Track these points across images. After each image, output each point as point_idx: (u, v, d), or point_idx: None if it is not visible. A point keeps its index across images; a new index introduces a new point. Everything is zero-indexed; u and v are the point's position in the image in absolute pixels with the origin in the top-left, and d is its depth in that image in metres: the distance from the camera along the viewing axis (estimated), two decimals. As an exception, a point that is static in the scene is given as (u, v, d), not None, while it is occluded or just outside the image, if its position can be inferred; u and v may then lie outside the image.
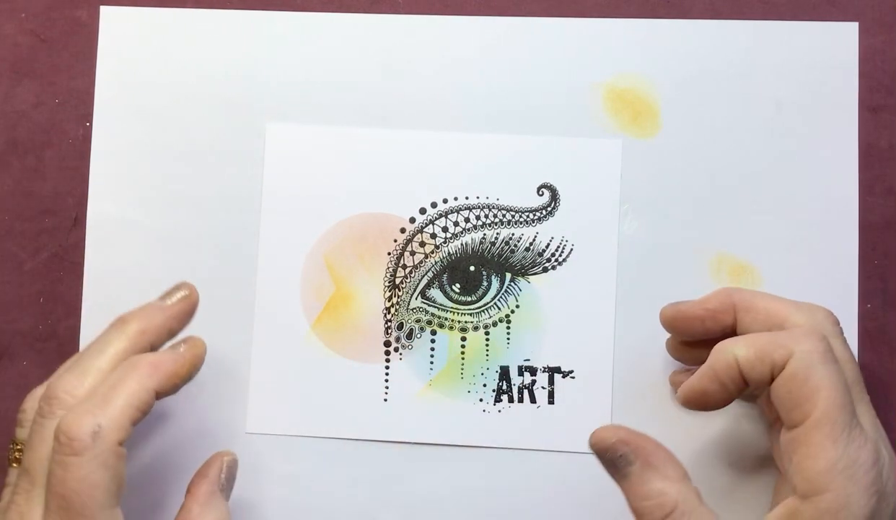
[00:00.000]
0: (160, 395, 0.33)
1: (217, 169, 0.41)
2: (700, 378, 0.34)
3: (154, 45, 0.42)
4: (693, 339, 0.37)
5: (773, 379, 0.32)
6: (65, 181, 0.41)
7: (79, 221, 0.41)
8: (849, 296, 0.39)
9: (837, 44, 0.40)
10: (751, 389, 0.33)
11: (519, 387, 0.40)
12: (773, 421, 0.36)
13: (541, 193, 0.40)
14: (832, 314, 0.35)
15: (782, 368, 0.32)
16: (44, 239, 0.41)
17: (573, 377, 0.40)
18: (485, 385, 0.40)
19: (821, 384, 0.31)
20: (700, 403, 0.34)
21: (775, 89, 0.40)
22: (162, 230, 0.41)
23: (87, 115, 0.41)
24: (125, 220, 0.41)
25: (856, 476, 0.30)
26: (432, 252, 0.40)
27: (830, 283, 0.39)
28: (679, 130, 0.40)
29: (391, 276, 0.40)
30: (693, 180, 0.40)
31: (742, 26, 0.40)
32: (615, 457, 0.32)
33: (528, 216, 0.40)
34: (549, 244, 0.40)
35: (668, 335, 0.38)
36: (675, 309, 0.37)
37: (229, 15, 0.41)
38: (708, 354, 0.34)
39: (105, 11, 0.42)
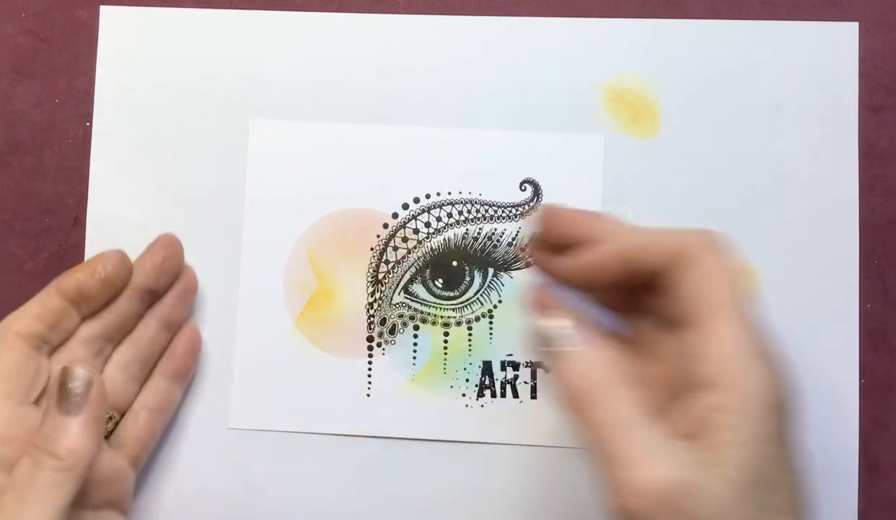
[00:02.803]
0: (74, 302, 0.36)
1: (219, 169, 0.41)
2: (589, 252, 0.31)
3: (154, 44, 0.42)
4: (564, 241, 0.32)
5: (664, 268, 0.29)
6: (65, 181, 0.41)
7: (79, 221, 0.41)
8: (849, 296, 0.39)
9: (837, 44, 0.40)
10: (637, 277, 0.30)
11: (502, 382, 0.40)
12: (669, 326, 0.31)
13: (524, 188, 0.40)
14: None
15: (679, 253, 0.29)
16: (44, 239, 0.41)
17: (557, 373, 0.40)
18: (467, 380, 0.40)
19: (723, 272, 0.28)
20: (577, 275, 0.31)
21: (775, 89, 0.40)
22: (162, 230, 0.41)
23: (87, 115, 0.41)
24: (125, 220, 0.41)
25: (773, 359, 0.28)
26: (415, 248, 0.41)
27: (830, 283, 0.39)
28: (679, 130, 0.40)
29: (374, 271, 0.40)
30: (693, 180, 0.40)
31: (742, 26, 0.40)
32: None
33: (511, 211, 0.40)
34: (532, 239, 0.40)
35: None
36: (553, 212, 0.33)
37: (229, 15, 0.41)
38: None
39: (105, 11, 0.42)
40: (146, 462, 0.39)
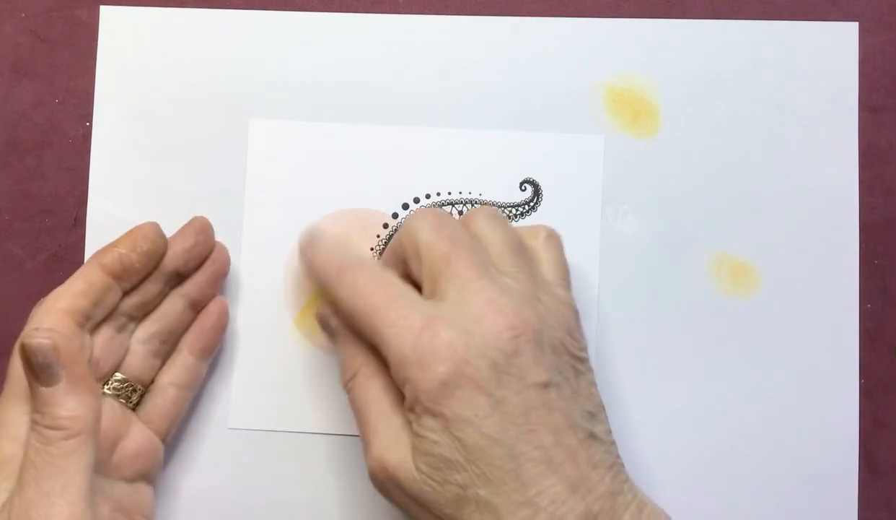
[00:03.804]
0: (117, 277, 0.35)
1: (219, 169, 0.41)
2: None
3: (154, 44, 0.42)
4: None
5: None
6: (65, 181, 0.41)
7: (79, 221, 0.41)
8: (849, 296, 0.39)
9: (837, 44, 0.40)
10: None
11: None
12: None
13: (524, 188, 0.40)
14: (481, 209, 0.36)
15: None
16: (44, 239, 0.41)
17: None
18: None
19: (418, 237, 0.33)
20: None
21: (775, 89, 0.40)
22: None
23: (87, 115, 0.41)
24: (125, 220, 0.41)
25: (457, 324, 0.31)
26: None
27: (830, 283, 0.39)
28: (679, 129, 0.40)
29: None
30: (693, 180, 0.40)
31: (742, 26, 0.40)
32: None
33: (511, 212, 0.40)
34: None
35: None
36: None
37: (230, 15, 0.41)
38: None
39: (105, 11, 0.42)
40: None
